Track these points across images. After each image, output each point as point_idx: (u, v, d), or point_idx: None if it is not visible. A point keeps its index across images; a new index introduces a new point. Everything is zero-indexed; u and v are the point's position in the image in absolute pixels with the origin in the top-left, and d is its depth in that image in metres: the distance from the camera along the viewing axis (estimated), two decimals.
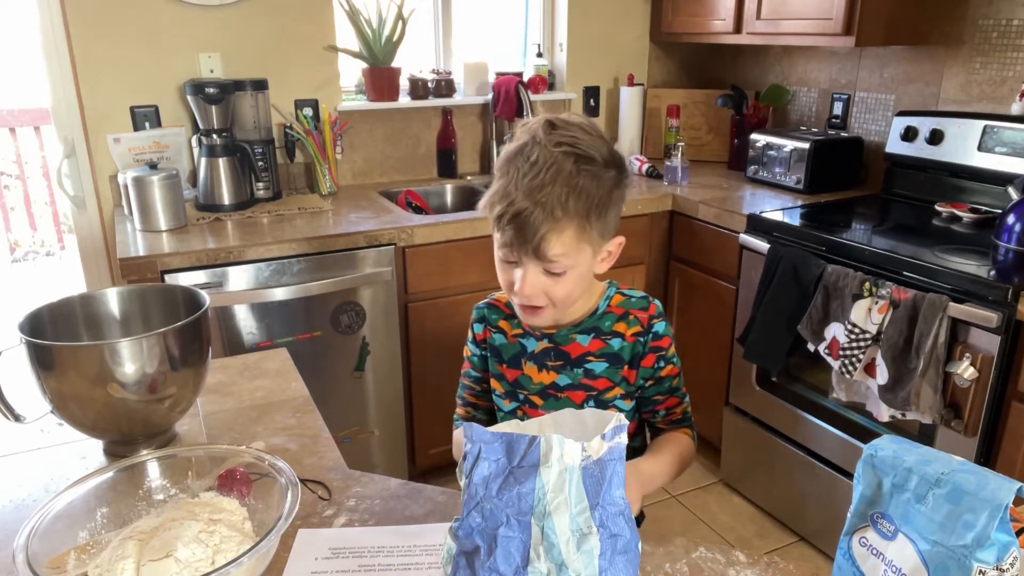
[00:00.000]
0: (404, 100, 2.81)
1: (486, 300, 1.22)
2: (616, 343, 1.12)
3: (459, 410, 1.26)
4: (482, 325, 1.20)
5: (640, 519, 1.25)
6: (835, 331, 1.97)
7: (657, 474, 1.08)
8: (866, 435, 2.01)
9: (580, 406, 1.14)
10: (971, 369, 1.70)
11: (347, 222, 2.27)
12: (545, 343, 1.14)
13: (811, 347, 2.04)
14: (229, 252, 2.03)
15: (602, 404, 1.15)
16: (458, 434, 1.19)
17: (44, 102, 2.41)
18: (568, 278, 1.02)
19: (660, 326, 1.13)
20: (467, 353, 1.23)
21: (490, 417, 1.24)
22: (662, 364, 1.14)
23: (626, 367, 1.13)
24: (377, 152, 2.82)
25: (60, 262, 4.69)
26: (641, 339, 1.12)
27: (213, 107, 2.32)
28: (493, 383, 1.20)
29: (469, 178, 2.90)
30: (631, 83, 3.13)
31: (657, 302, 1.16)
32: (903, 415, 1.84)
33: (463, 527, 0.68)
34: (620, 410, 1.16)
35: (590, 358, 1.13)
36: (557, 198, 0.96)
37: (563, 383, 1.14)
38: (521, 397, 1.17)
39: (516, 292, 1.02)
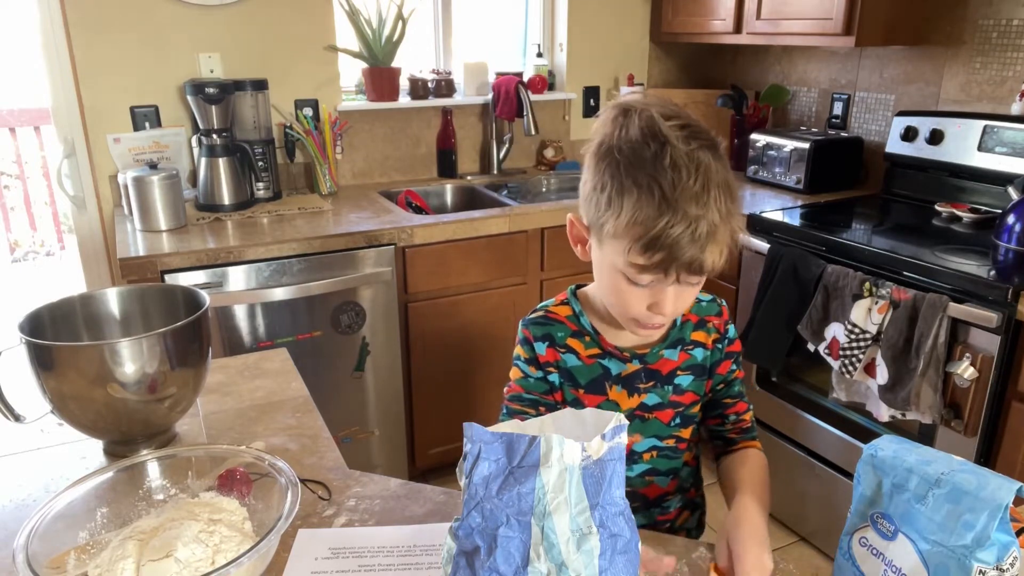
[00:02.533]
0: (404, 100, 2.81)
1: (540, 314, 1.07)
2: (699, 353, 1.06)
3: None
4: (546, 344, 1.04)
5: None
6: (835, 331, 1.97)
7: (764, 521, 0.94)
8: (866, 435, 2.01)
9: (668, 424, 1.08)
10: (971, 369, 1.70)
11: (347, 222, 2.27)
12: (635, 364, 1.04)
13: (811, 347, 2.04)
14: (229, 252, 2.03)
15: (687, 419, 1.09)
16: None
17: (44, 102, 2.41)
18: (695, 291, 0.95)
19: (732, 330, 1.10)
20: (517, 375, 1.07)
21: None
22: (735, 368, 1.10)
23: (707, 378, 1.09)
24: (377, 152, 2.82)
25: (60, 262, 4.68)
26: (719, 345, 1.07)
27: (213, 107, 2.32)
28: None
29: (469, 178, 2.90)
30: (631, 83, 3.12)
31: (725, 303, 1.11)
32: (903, 415, 1.84)
33: (463, 527, 0.68)
34: (695, 421, 1.12)
35: (679, 372, 1.06)
36: (716, 205, 0.85)
37: (652, 402, 1.06)
38: None
39: (660, 313, 0.91)
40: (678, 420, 1.08)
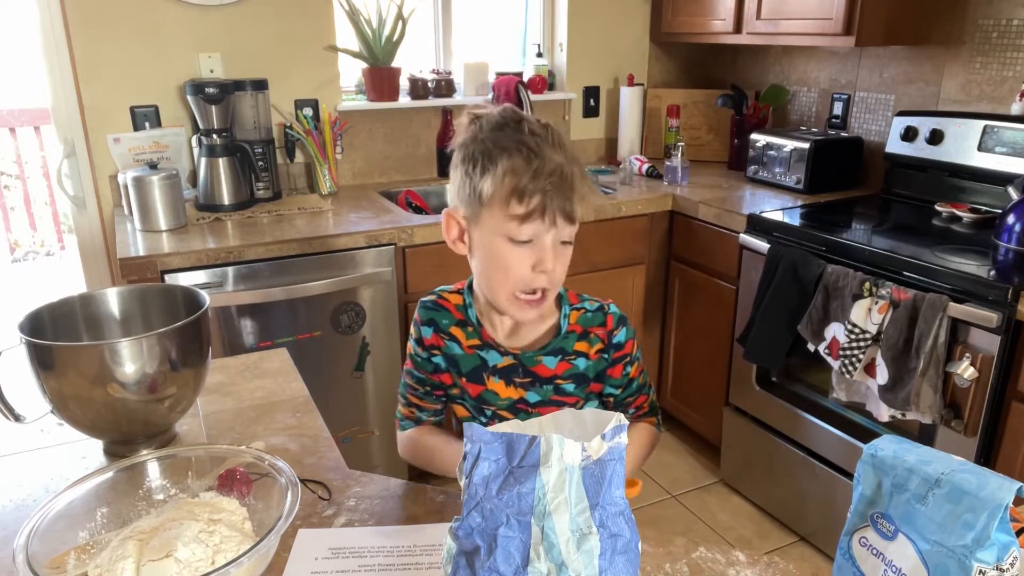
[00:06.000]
0: (404, 100, 2.81)
1: (431, 298, 1.15)
2: (581, 363, 1.10)
3: (403, 409, 1.19)
4: (431, 329, 1.13)
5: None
6: (835, 331, 1.97)
7: (629, 460, 1.08)
8: (866, 435, 2.01)
9: None
10: (971, 369, 1.70)
11: (347, 222, 2.27)
12: (510, 359, 1.09)
13: (811, 347, 2.04)
14: (229, 252, 2.03)
15: None
16: (408, 435, 1.17)
17: (44, 102, 2.41)
18: (569, 255, 1.01)
19: (620, 335, 1.11)
20: (410, 350, 1.16)
21: (435, 418, 1.19)
22: (628, 370, 1.14)
23: (592, 383, 1.12)
24: (377, 152, 2.82)
25: (60, 262, 4.69)
26: (605, 356, 1.11)
27: (213, 107, 2.32)
28: (456, 392, 1.15)
29: None
30: (631, 83, 3.13)
31: (613, 310, 1.12)
32: (903, 415, 1.84)
33: (463, 527, 0.68)
34: None
35: (559, 380, 1.10)
36: (573, 159, 0.97)
37: (533, 400, 1.11)
38: (489, 413, 1.12)
39: (543, 270, 0.98)
40: None
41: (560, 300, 1.12)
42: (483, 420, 1.12)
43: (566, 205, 0.95)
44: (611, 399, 1.16)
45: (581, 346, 1.10)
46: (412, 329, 1.15)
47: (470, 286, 1.13)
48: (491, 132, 0.98)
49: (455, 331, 1.12)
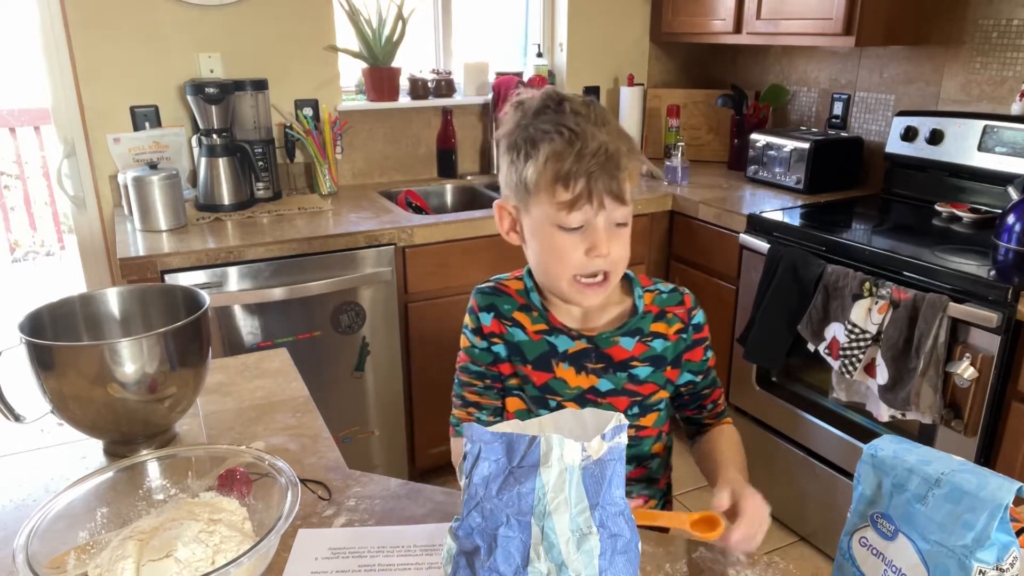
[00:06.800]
0: (404, 100, 2.81)
1: (489, 284, 1.09)
2: (659, 344, 1.05)
3: (457, 412, 1.11)
4: (491, 315, 1.05)
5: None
6: (835, 331, 1.97)
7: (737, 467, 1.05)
8: (866, 435, 2.01)
9: (624, 412, 1.05)
10: (971, 369, 1.70)
11: (347, 222, 2.27)
12: (583, 343, 1.03)
13: (811, 347, 2.04)
14: (229, 252, 2.03)
15: (647, 409, 1.08)
16: (459, 441, 1.06)
17: (44, 102, 2.41)
18: (627, 236, 0.97)
19: (699, 316, 1.09)
20: (465, 344, 1.09)
21: (496, 417, 1.11)
22: (708, 355, 1.10)
23: (669, 367, 1.07)
24: (377, 152, 2.82)
25: (60, 262, 4.69)
26: (684, 335, 1.07)
27: (213, 107, 2.32)
28: (515, 383, 1.08)
29: (469, 178, 2.90)
30: (631, 83, 3.13)
31: (688, 291, 1.10)
32: (903, 415, 1.84)
33: (463, 527, 0.68)
34: (659, 410, 1.10)
35: (635, 363, 1.04)
36: (618, 133, 0.94)
37: (604, 388, 1.04)
38: (553, 404, 1.05)
39: (598, 253, 0.94)
40: (636, 409, 1.07)
41: (631, 283, 1.08)
42: (544, 413, 1.08)
43: (613, 185, 0.91)
44: (690, 387, 1.11)
45: (659, 327, 1.06)
46: (467, 319, 1.08)
47: (529, 272, 1.07)
48: (533, 118, 0.95)
49: (519, 316, 1.05)
